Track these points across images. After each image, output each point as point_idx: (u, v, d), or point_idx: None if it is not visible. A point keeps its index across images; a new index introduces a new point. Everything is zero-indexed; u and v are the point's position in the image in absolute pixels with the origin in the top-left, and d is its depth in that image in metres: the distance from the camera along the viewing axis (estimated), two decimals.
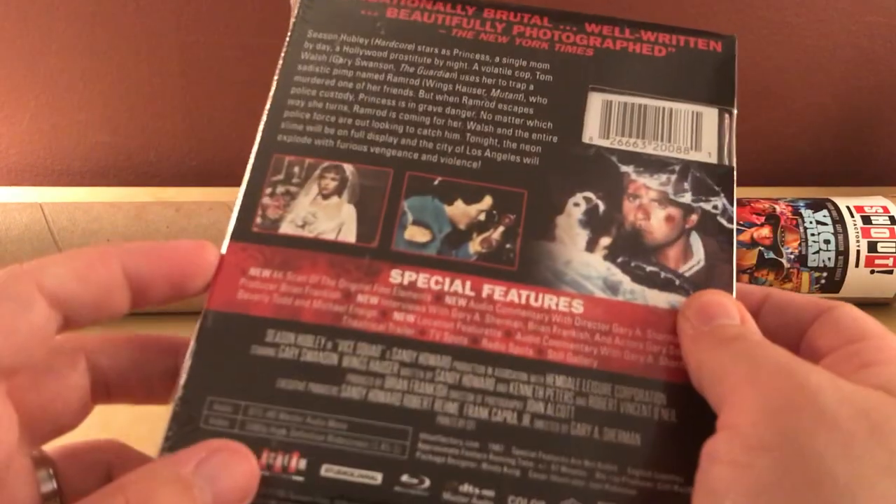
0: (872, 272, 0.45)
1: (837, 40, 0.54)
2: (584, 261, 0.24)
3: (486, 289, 0.23)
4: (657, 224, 0.24)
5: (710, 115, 0.26)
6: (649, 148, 0.25)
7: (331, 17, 0.27)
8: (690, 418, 0.21)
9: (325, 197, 0.24)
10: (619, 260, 0.24)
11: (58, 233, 0.40)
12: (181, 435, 0.21)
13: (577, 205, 0.24)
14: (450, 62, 0.26)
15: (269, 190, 0.24)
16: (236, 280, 0.23)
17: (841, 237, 0.45)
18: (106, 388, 0.22)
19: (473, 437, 0.21)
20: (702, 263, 0.24)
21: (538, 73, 0.26)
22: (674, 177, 0.25)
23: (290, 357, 0.22)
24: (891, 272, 0.45)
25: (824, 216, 0.45)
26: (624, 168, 0.25)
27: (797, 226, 0.45)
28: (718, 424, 0.19)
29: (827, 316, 0.21)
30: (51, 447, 0.21)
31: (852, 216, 0.45)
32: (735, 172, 0.25)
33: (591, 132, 0.25)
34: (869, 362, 0.19)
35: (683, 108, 0.26)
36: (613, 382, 0.22)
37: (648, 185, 0.25)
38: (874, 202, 0.46)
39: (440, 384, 0.22)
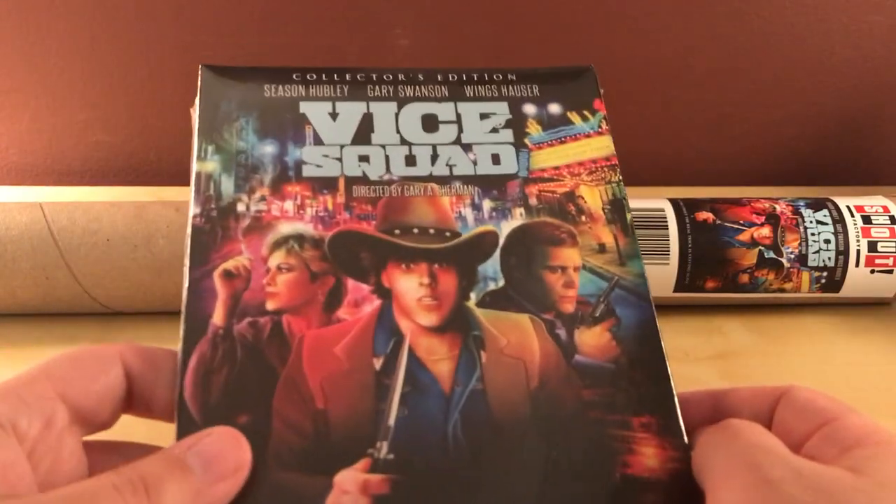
0: (872, 272, 0.45)
1: (837, 40, 0.54)
2: None
3: None
4: None
5: None
6: None
7: None
8: None
9: None
10: None
11: (58, 232, 0.40)
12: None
13: None
14: None
15: None
16: None
17: (841, 237, 0.45)
18: (130, 396, 0.23)
19: None
20: None
21: None
22: None
23: None
24: (891, 272, 0.45)
25: (824, 216, 0.45)
26: None
27: (797, 225, 0.45)
28: None
29: (787, 401, 0.23)
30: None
31: (852, 216, 0.45)
32: None
33: None
34: (847, 447, 0.21)
35: None
36: None
37: None
38: (874, 202, 0.46)
39: None
